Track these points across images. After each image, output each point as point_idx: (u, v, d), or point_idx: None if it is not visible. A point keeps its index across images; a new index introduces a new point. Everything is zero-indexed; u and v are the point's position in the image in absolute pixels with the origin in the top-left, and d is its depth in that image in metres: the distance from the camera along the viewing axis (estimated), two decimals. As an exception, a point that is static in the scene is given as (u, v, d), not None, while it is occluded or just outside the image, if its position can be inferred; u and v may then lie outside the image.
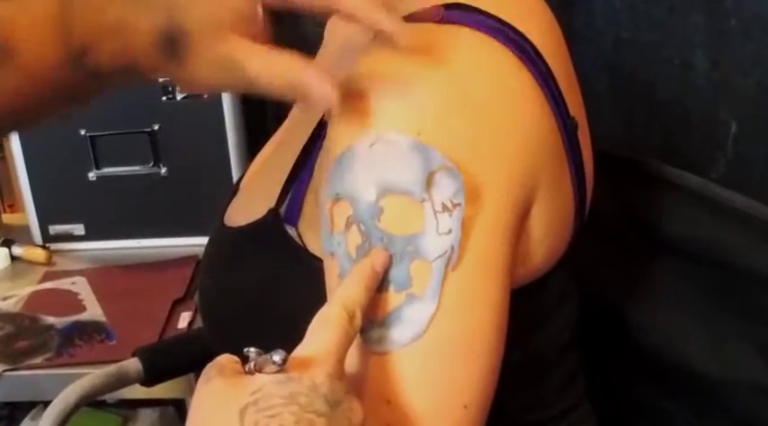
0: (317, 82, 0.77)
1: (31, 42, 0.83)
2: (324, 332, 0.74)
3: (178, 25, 0.79)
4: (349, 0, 0.79)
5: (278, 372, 0.69)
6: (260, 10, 0.81)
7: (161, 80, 1.81)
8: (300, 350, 0.73)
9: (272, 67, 0.79)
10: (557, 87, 0.88)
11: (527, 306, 0.89)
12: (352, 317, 0.75)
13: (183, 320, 1.73)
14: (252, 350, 0.71)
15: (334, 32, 1.02)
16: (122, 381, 1.41)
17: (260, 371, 0.70)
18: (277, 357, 0.69)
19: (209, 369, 0.71)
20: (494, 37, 0.85)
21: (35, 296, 1.87)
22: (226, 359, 0.73)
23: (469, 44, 0.84)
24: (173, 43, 0.80)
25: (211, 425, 0.68)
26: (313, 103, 0.78)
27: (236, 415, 0.67)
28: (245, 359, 0.72)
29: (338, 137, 0.83)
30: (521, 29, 0.87)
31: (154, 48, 0.81)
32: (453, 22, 0.85)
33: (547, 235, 0.89)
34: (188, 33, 0.79)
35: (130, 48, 0.82)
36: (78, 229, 2.02)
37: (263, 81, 0.79)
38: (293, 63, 0.79)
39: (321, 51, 1.04)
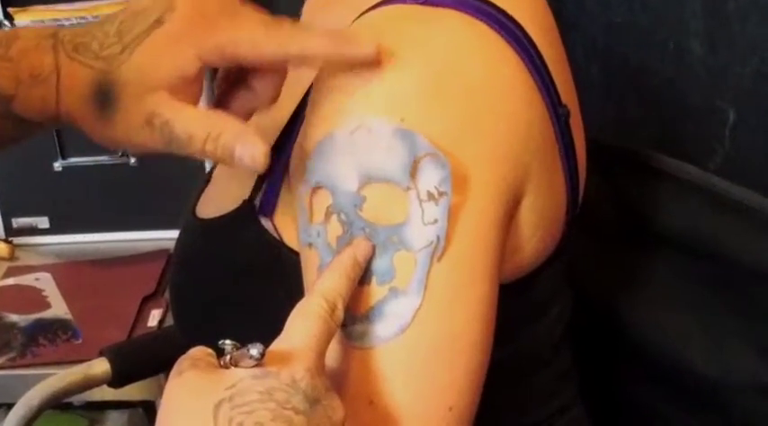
0: (249, 146, 0.79)
1: None
2: (303, 325, 0.73)
3: (113, 79, 0.81)
4: (295, 45, 0.80)
5: (255, 366, 0.69)
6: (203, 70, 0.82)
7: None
8: (278, 344, 0.73)
9: (204, 130, 0.80)
10: (547, 73, 0.88)
11: (516, 301, 0.89)
12: (333, 309, 0.75)
13: (154, 318, 1.73)
14: (227, 342, 0.71)
15: (312, 17, 1.02)
16: (89, 382, 1.41)
17: (236, 365, 0.69)
18: (254, 351, 0.68)
19: (182, 362, 0.71)
20: (481, 20, 0.85)
21: (-4, 292, 1.87)
22: (200, 352, 0.72)
23: (455, 27, 0.84)
24: (105, 95, 0.81)
25: (183, 421, 0.67)
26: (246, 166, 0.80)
27: (209, 411, 0.66)
28: (219, 352, 0.71)
29: (318, 123, 0.83)
30: (510, 12, 0.86)
31: (86, 100, 0.82)
32: (438, 5, 0.85)
33: (538, 227, 0.89)
34: (121, 86, 0.80)
35: (61, 100, 0.83)
36: (43, 222, 2.01)
37: (196, 144, 0.80)
38: (226, 124, 0.80)
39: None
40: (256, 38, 0.80)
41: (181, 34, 0.80)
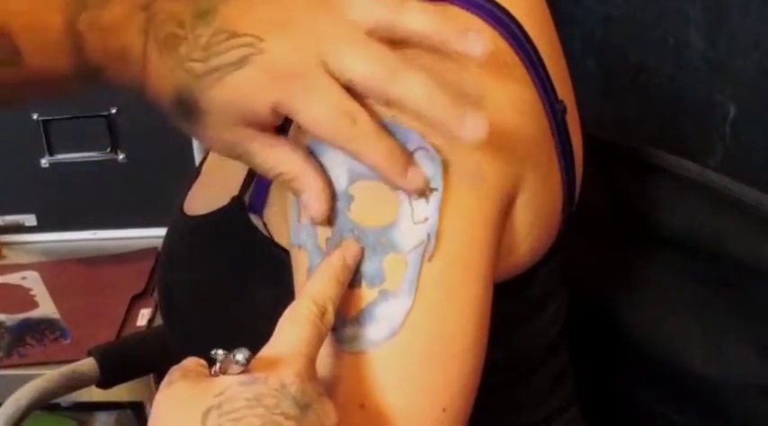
0: (314, 199, 0.80)
1: (44, 54, 0.85)
2: (292, 330, 0.73)
3: (195, 100, 0.80)
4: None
5: (243, 372, 0.68)
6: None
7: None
8: (268, 350, 0.72)
9: (280, 169, 0.81)
10: (543, 68, 0.88)
11: (511, 301, 0.88)
12: (323, 313, 0.74)
13: (143, 317, 1.73)
14: (219, 352, 0.70)
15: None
16: (77, 383, 1.41)
17: (225, 373, 0.69)
18: (240, 355, 0.68)
19: (173, 372, 0.71)
20: (475, 14, 0.84)
21: (-17, 292, 1.86)
22: (191, 363, 0.72)
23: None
24: (187, 109, 0.81)
25: None
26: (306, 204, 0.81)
27: (198, 419, 0.66)
28: (212, 362, 0.71)
29: None
30: (504, 5, 0.86)
31: (169, 101, 0.82)
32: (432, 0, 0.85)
33: (533, 225, 0.88)
34: (203, 111, 0.80)
35: (148, 87, 0.83)
36: (30, 220, 2.01)
37: (272, 176, 0.82)
38: (301, 169, 0.80)
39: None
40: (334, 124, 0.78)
41: (262, 83, 0.78)
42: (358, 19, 0.79)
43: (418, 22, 0.78)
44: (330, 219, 0.81)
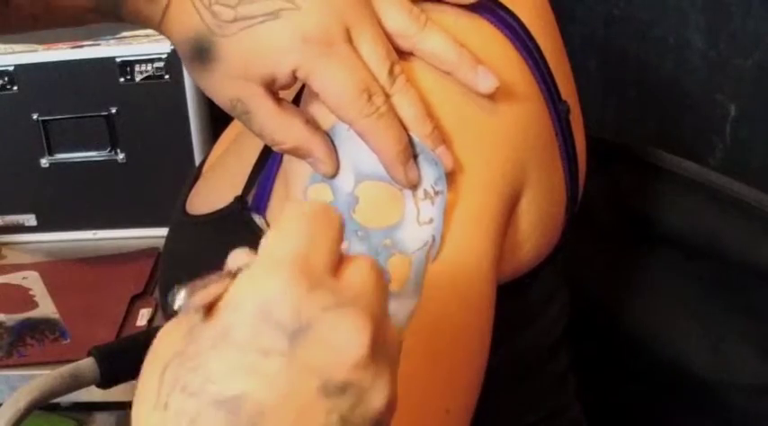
0: (319, 153, 0.80)
1: None
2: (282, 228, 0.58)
3: (214, 45, 0.80)
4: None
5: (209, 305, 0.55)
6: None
7: (118, 60, 1.81)
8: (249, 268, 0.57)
9: (276, 135, 0.81)
10: (547, 68, 0.88)
11: (514, 302, 0.89)
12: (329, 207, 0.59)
13: (143, 317, 1.72)
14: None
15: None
16: (77, 383, 1.39)
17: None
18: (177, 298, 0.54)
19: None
20: (479, 14, 0.84)
21: (-18, 292, 1.86)
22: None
23: (453, 22, 0.84)
24: (203, 53, 0.81)
25: (141, 389, 0.57)
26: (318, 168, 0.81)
27: (158, 371, 0.54)
28: None
29: (315, 118, 0.83)
30: (508, 5, 0.86)
31: (185, 43, 0.82)
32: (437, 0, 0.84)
33: (536, 227, 0.89)
34: (219, 58, 0.80)
35: (164, 27, 0.83)
36: (29, 220, 2.00)
37: (266, 140, 0.83)
38: (298, 138, 0.81)
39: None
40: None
41: (289, 41, 0.78)
42: (385, 21, 0.80)
43: (436, 43, 0.80)
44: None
